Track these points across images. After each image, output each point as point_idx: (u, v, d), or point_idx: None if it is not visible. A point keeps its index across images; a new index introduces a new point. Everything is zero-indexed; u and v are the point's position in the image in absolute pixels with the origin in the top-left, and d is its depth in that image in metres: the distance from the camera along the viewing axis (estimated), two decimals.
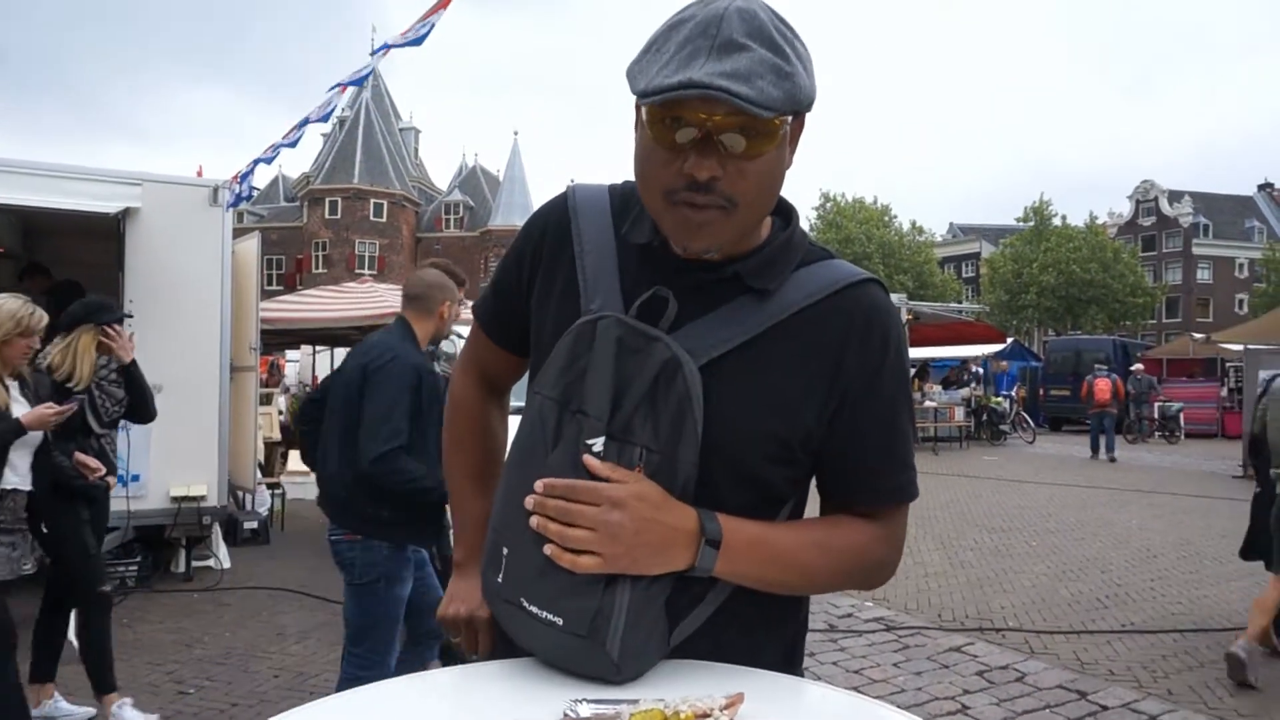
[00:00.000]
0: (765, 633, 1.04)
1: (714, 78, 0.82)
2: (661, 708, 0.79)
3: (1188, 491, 11.03)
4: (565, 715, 0.80)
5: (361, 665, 2.83)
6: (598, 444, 0.92)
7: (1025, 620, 5.25)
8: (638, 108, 0.91)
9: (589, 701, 0.83)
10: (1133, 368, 19.52)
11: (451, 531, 1.03)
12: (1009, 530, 8.26)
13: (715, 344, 0.95)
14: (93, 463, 3.44)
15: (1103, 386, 15.59)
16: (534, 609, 0.93)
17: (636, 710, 0.79)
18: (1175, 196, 57.76)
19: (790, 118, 0.91)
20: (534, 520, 0.92)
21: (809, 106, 0.92)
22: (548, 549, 0.90)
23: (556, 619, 0.91)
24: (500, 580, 0.97)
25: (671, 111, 0.87)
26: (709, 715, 0.78)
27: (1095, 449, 15.32)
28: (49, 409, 3.19)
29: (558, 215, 1.09)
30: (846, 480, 1.04)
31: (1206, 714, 3.76)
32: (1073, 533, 8.09)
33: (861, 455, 1.02)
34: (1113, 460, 14.74)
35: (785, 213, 1.06)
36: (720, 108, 0.85)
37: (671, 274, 0.98)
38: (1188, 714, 3.76)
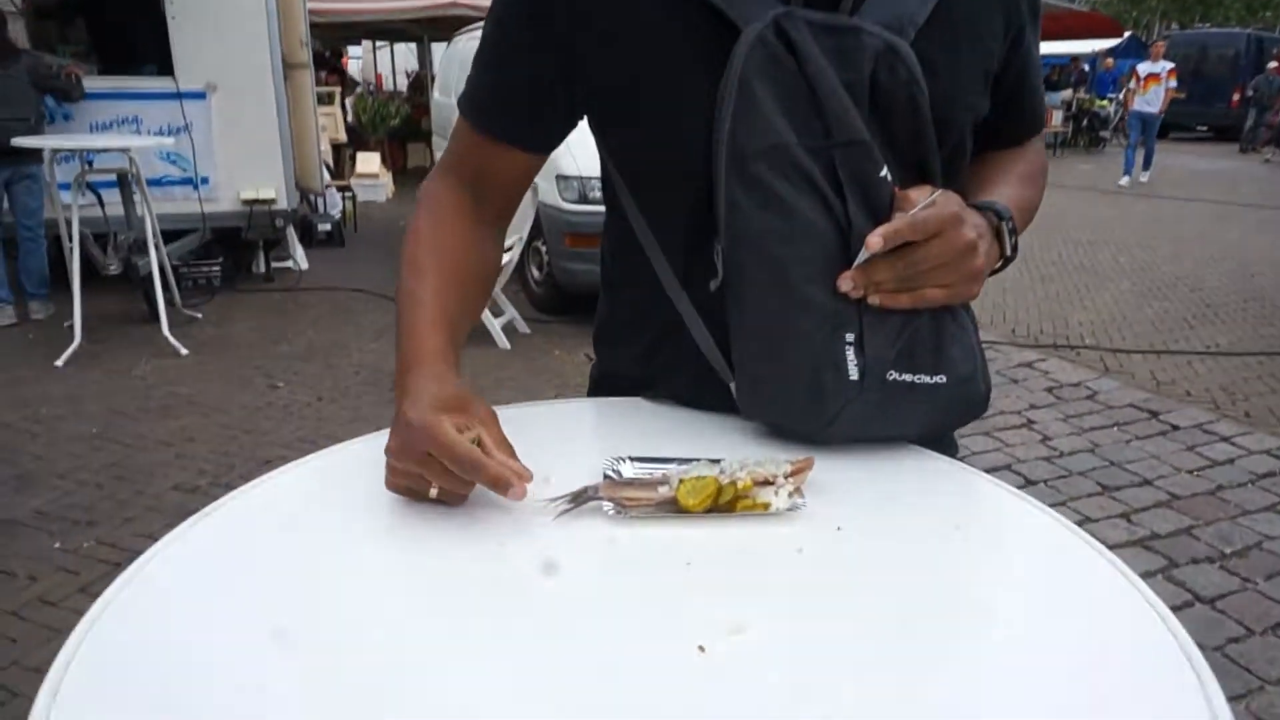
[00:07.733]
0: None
1: None
2: (716, 474, 0.67)
3: None
4: (605, 477, 0.70)
5: None
6: (883, 171, 0.75)
7: (1103, 338, 5.11)
8: None
9: (632, 460, 0.73)
10: (1269, 65, 17.46)
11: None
12: (1096, 244, 7.87)
13: (911, 14, 0.76)
14: None
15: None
16: (911, 378, 0.77)
17: (689, 474, 0.68)
18: None
19: None
20: (874, 298, 0.74)
21: None
22: (872, 298, 0.74)
23: (939, 377, 0.78)
24: (854, 375, 0.76)
25: None
26: (772, 483, 0.67)
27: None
28: None
29: None
30: (1021, 113, 0.94)
31: None
32: (1165, 248, 7.68)
33: (1034, 84, 0.94)
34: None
35: None
36: None
37: None
38: (1262, 436, 3.69)
